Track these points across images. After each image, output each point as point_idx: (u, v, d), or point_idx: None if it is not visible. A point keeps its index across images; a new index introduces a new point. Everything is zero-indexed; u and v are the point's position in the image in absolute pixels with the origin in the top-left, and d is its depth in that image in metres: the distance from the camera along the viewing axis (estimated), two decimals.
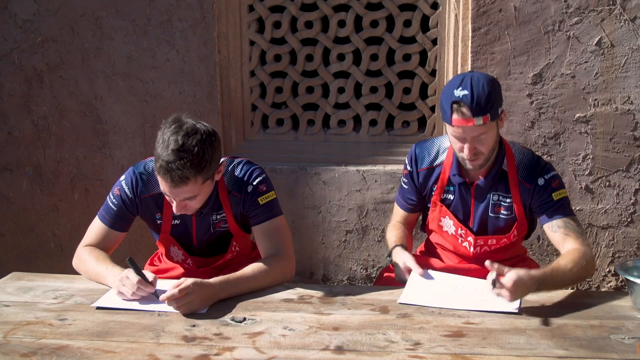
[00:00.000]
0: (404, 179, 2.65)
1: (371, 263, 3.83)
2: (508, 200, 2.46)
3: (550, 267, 2.20)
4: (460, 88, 2.26)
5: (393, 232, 2.66)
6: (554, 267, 2.19)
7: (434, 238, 2.69)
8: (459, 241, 2.57)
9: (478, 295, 2.17)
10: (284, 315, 2.08)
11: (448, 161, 2.52)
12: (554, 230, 2.37)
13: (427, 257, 2.66)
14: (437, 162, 2.55)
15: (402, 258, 2.42)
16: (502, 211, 2.49)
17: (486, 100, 2.25)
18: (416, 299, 2.17)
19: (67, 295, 2.26)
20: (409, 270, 2.36)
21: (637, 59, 3.40)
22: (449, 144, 2.49)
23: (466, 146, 2.32)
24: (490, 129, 2.30)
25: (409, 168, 2.61)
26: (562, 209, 2.39)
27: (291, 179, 3.77)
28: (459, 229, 2.54)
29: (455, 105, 2.25)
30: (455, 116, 2.26)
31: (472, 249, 2.54)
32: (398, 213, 2.74)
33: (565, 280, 2.20)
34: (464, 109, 2.24)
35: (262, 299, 2.21)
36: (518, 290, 2.05)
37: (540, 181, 2.40)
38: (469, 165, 2.38)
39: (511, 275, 2.04)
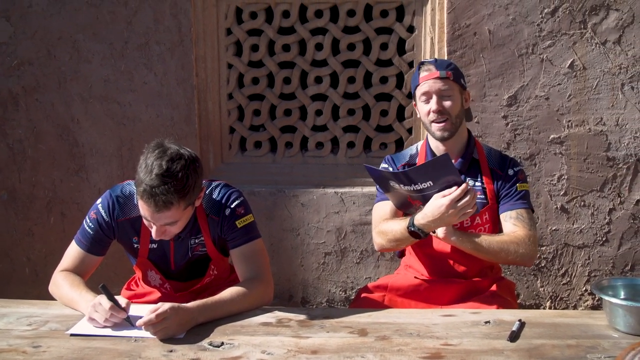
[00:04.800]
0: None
1: (350, 285, 3.83)
2: (482, 184, 2.60)
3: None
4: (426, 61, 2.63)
5: (392, 221, 2.55)
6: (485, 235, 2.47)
7: (412, 250, 2.71)
8: None
9: None
10: (262, 339, 2.06)
11: (422, 153, 2.67)
12: (506, 219, 2.55)
13: (409, 275, 2.68)
14: (412, 158, 2.69)
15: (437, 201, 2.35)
16: (477, 195, 2.55)
17: (448, 63, 2.59)
18: None
19: (42, 322, 2.22)
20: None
21: (609, 81, 3.46)
22: (421, 143, 2.70)
23: (433, 101, 2.52)
24: (454, 90, 2.54)
25: (390, 169, 2.66)
26: (520, 200, 2.57)
27: (269, 202, 3.76)
28: None
29: (422, 66, 2.57)
30: (422, 74, 2.55)
31: None
32: (386, 210, 2.63)
33: (491, 245, 2.42)
34: (430, 66, 2.55)
35: (240, 323, 2.19)
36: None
37: (510, 172, 2.60)
38: (437, 133, 2.54)
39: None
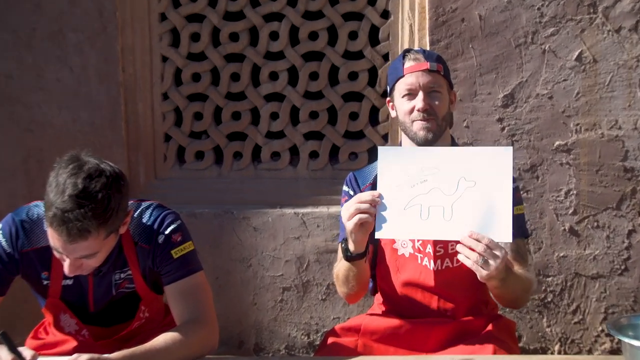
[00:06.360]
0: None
1: (314, 327, 3.81)
2: None
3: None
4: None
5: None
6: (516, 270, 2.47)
7: (385, 285, 2.70)
8: (418, 260, 2.59)
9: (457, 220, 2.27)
10: None
11: None
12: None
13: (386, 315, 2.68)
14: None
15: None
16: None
17: (438, 56, 2.61)
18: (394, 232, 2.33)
19: None
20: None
21: (624, 76, 3.51)
22: None
23: (419, 97, 2.52)
24: (443, 87, 2.56)
25: (351, 192, 2.66)
26: (519, 226, 2.54)
27: (214, 226, 3.74)
28: (416, 242, 2.58)
29: (407, 54, 2.57)
30: (407, 64, 2.54)
31: (432, 264, 2.57)
32: None
33: (517, 284, 2.42)
34: (418, 55, 2.55)
35: None
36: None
37: None
38: (420, 133, 2.53)
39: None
